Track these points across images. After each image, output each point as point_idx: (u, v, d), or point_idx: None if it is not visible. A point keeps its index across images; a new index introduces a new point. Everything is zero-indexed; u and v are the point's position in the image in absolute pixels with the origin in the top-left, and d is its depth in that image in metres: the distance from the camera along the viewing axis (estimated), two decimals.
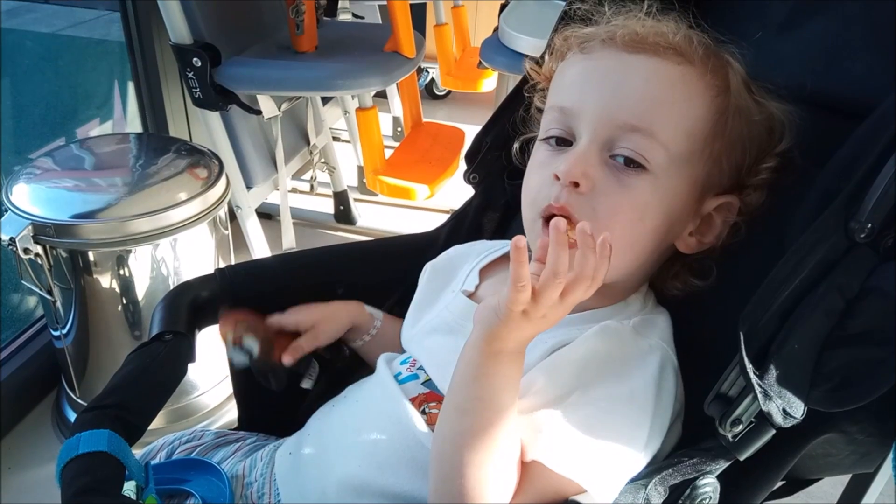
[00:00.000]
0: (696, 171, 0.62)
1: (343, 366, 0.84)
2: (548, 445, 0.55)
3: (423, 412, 0.65)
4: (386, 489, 0.63)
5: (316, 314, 0.79)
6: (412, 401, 0.67)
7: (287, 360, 0.75)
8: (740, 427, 0.54)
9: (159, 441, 0.79)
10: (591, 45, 0.65)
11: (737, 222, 0.66)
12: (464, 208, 0.89)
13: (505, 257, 0.72)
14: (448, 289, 0.76)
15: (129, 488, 0.61)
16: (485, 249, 0.78)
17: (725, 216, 0.65)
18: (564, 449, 0.55)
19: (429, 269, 0.80)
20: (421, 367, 0.70)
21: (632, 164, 0.60)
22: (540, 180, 0.64)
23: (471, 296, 0.73)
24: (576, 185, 0.60)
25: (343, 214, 2.27)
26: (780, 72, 0.67)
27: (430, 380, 0.68)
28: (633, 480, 0.56)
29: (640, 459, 0.57)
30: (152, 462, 0.73)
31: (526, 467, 0.56)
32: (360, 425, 0.68)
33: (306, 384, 0.79)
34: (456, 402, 0.56)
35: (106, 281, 1.36)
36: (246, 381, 0.86)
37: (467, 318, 0.69)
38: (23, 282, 1.33)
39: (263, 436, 0.82)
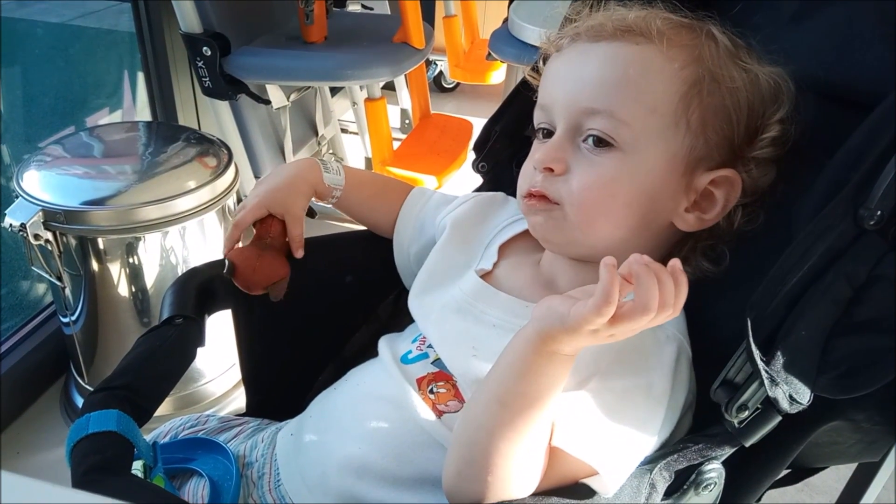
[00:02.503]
0: (672, 144, 0.63)
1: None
2: (566, 430, 0.56)
3: (431, 391, 0.66)
4: (387, 472, 0.64)
5: (280, 197, 0.80)
6: (420, 381, 0.67)
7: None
8: (746, 413, 0.54)
9: (165, 425, 0.80)
10: (563, 42, 0.69)
11: (754, 209, 0.65)
12: None
13: (526, 234, 0.72)
14: (464, 258, 0.76)
15: (137, 468, 0.62)
16: (507, 218, 0.78)
17: (727, 193, 0.64)
18: (582, 434, 0.56)
19: (448, 223, 0.79)
20: (431, 346, 0.70)
21: (600, 143, 0.63)
22: (526, 171, 0.69)
23: (487, 274, 0.73)
24: (550, 170, 0.65)
25: None
26: (792, 63, 0.67)
27: (439, 359, 0.68)
28: (638, 465, 0.57)
29: (650, 447, 0.58)
30: (160, 442, 0.73)
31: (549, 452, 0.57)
32: (362, 409, 0.69)
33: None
34: (497, 394, 0.56)
35: (115, 268, 1.37)
36: (255, 367, 0.86)
37: (479, 299, 0.69)
38: (33, 268, 1.34)
39: (267, 420, 0.82)
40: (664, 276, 0.50)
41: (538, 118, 0.69)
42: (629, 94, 0.63)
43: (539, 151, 0.66)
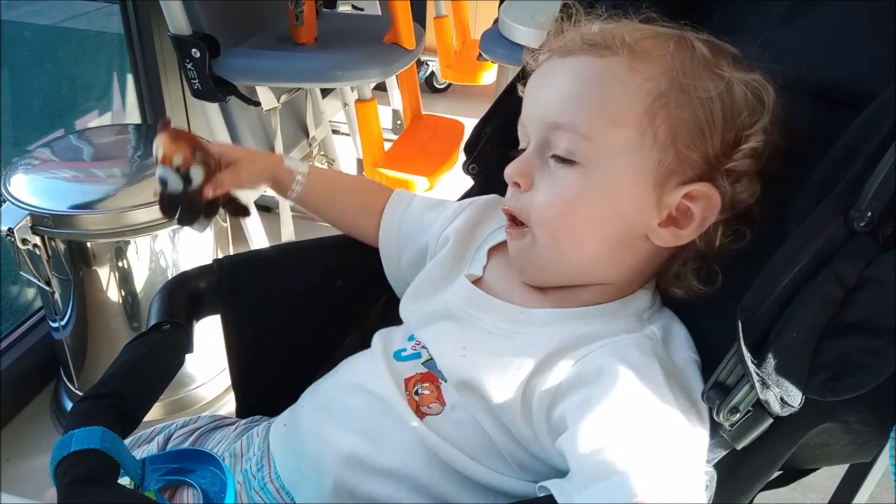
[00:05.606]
0: (638, 158, 0.61)
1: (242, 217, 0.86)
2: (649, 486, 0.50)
3: (416, 392, 0.66)
4: (377, 465, 0.64)
5: (238, 151, 0.80)
6: (407, 381, 0.67)
7: (208, 193, 0.75)
8: (738, 416, 0.54)
9: (158, 426, 0.79)
10: (539, 59, 0.69)
11: (737, 227, 0.64)
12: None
13: None
14: (457, 263, 0.76)
15: (126, 485, 0.61)
16: (499, 221, 0.76)
17: (704, 208, 0.62)
18: (660, 481, 0.51)
19: (452, 235, 0.78)
20: (425, 347, 0.70)
21: (564, 159, 0.63)
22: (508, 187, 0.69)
23: (478, 280, 0.73)
24: (518, 185, 0.66)
25: None
26: (782, 64, 0.66)
27: (431, 360, 0.68)
28: None
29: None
30: (150, 454, 0.72)
31: None
32: (351, 400, 0.69)
33: (198, 228, 0.77)
34: None
35: (104, 272, 1.36)
36: (244, 371, 0.86)
37: (472, 306, 0.69)
38: (21, 273, 1.33)
39: (258, 417, 0.82)
40: None
41: (519, 134, 0.70)
42: (590, 107, 0.62)
43: (509, 166, 0.67)
